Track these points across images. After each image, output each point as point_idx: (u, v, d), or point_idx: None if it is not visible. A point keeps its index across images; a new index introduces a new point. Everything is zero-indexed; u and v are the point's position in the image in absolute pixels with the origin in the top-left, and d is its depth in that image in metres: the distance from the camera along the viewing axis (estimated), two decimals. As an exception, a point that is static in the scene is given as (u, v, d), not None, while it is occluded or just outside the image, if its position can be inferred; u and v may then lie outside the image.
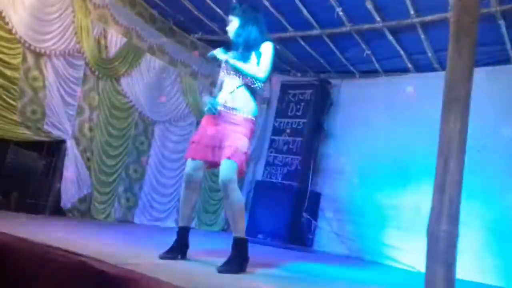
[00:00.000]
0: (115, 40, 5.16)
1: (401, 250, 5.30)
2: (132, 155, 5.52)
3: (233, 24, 3.04)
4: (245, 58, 2.89)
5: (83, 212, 4.92)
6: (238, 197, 2.70)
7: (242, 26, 3.00)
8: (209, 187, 6.42)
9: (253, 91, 2.91)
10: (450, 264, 1.28)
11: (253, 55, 2.92)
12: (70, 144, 4.72)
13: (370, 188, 5.79)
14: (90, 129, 5.00)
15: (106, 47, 5.08)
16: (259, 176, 6.73)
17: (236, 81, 2.88)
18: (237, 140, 2.71)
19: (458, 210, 1.33)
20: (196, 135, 2.91)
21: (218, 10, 5.41)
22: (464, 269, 4.35)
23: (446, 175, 1.32)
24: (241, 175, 2.72)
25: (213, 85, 6.41)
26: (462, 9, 1.34)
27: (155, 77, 5.65)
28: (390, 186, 5.63)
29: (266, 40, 2.99)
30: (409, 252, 5.06)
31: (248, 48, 2.93)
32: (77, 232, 3.64)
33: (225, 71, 2.96)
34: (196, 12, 5.56)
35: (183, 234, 2.84)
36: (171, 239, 2.84)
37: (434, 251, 1.30)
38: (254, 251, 2.85)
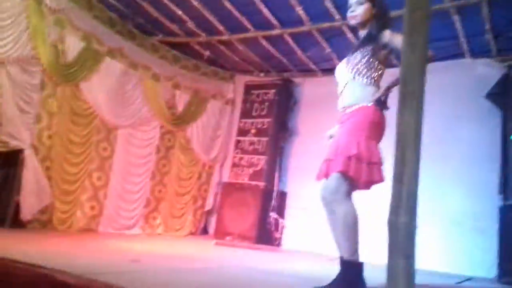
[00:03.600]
0: (73, 44, 5.03)
1: (366, 244, 5.39)
2: (95, 162, 5.39)
3: (362, 7, 2.65)
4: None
5: (45, 223, 4.77)
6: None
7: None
8: (175, 192, 6.36)
9: None
10: (409, 255, 1.32)
11: None
12: (28, 153, 4.56)
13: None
14: (50, 137, 4.85)
15: (63, 52, 4.94)
16: (225, 178, 6.71)
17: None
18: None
19: (416, 201, 1.37)
20: None
21: (179, 12, 5.37)
22: (425, 259, 4.49)
23: (404, 167, 1.35)
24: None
25: (175, 87, 6.36)
26: (413, 6, 1.38)
27: (116, 81, 5.54)
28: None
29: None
30: (374, 245, 5.16)
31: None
32: (39, 244, 3.53)
33: None
34: (155, 14, 5.50)
35: None
36: (137, 246, 2.80)
37: (394, 243, 1.33)
38: (224, 253, 2.85)
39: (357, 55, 2.60)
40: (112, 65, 5.49)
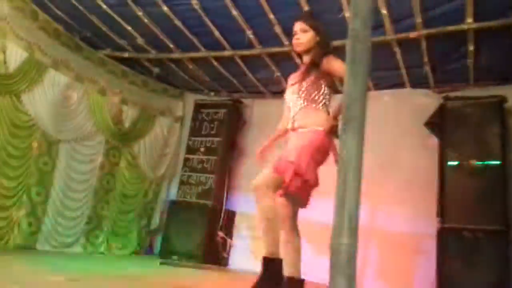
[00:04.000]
0: (15, 54, 4.82)
1: (312, 264, 5.47)
2: (35, 177, 5.14)
3: (307, 35, 2.76)
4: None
5: (-23, 240, 4.47)
6: None
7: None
8: (119, 209, 6.18)
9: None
10: (350, 276, 1.36)
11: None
12: (-40, 166, 4.29)
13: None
14: (-14, 149, 4.60)
15: (5, 62, 4.72)
16: (173, 196, 6.61)
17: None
18: None
19: (357, 223, 1.41)
20: None
21: (128, 27, 5.31)
22: (365, 280, 4.62)
23: (345, 190, 1.40)
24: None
25: (122, 102, 6.24)
26: (355, 38, 1.45)
27: (59, 93, 5.35)
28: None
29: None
30: (319, 266, 5.25)
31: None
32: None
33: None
34: (104, 28, 5.41)
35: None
36: (76, 266, 2.69)
37: (336, 264, 1.37)
38: (169, 273, 2.78)
39: (306, 82, 2.68)
40: (56, 77, 5.31)
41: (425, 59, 4.96)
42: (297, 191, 2.45)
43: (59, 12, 5.17)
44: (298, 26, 2.77)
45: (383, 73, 5.39)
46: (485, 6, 4.02)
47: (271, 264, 2.49)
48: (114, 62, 6.10)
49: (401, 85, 5.68)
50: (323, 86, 2.70)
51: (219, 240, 6.06)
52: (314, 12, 4.54)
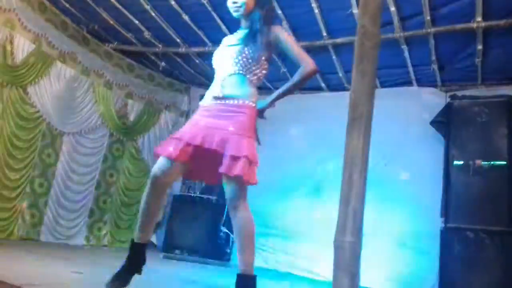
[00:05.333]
0: (23, 46, 4.84)
1: (314, 261, 5.47)
2: (38, 168, 5.17)
3: None
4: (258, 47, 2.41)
5: (-19, 231, 4.51)
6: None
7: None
8: (121, 202, 6.19)
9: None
10: (354, 274, 1.36)
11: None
12: (-34, 156, 4.32)
13: (285, 202, 5.93)
14: (-9, 140, 4.62)
15: (12, 53, 4.74)
16: (177, 190, 6.61)
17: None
18: None
19: (362, 221, 1.41)
20: None
21: (135, 21, 5.31)
22: (368, 278, 4.61)
23: (351, 188, 1.40)
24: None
25: (127, 96, 6.27)
26: (364, 34, 1.44)
27: (65, 86, 5.37)
28: (303, 199, 5.81)
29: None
30: (321, 262, 5.25)
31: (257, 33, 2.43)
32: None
33: None
34: (111, 22, 5.40)
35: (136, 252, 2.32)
36: (79, 257, 2.70)
37: (340, 261, 1.37)
38: (173, 266, 2.78)
39: (248, 49, 2.42)
40: (62, 70, 5.33)
41: (433, 57, 4.92)
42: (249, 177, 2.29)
43: (66, 5, 5.17)
44: None
45: (390, 70, 5.36)
46: (495, 5, 3.98)
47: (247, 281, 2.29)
48: (120, 55, 6.10)
49: (408, 83, 5.65)
50: (263, 58, 2.46)
51: (222, 236, 6.07)
52: (323, 8, 4.57)
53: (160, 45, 5.90)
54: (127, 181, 6.29)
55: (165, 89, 6.81)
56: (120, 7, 5.05)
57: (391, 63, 5.16)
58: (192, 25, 5.21)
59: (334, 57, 5.34)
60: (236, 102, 2.37)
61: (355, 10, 4.28)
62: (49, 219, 5.29)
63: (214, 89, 2.47)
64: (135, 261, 2.28)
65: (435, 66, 5.11)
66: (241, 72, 2.42)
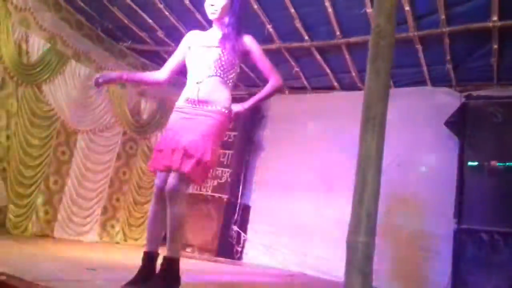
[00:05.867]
0: (38, 45, 4.91)
1: (326, 260, 5.46)
2: (53, 166, 5.23)
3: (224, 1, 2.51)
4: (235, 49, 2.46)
5: (-3, 226, 4.57)
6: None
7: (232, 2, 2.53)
8: (134, 200, 6.24)
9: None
10: (366, 273, 1.35)
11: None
12: (-17, 153, 4.39)
13: (298, 201, 5.92)
14: (8, 138, 4.68)
15: (27, 52, 4.81)
16: (189, 189, 6.65)
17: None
18: None
19: (375, 222, 1.41)
20: None
21: (149, 20, 5.34)
22: (381, 278, 4.59)
23: (364, 189, 1.39)
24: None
25: (141, 95, 6.31)
26: (379, 34, 1.43)
27: (80, 84, 5.43)
28: (316, 198, 5.80)
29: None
30: (333, 262, 5.24)
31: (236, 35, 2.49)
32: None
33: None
34: (125, 21, 5.45)
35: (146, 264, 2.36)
36: (93, 254, 2.73)
37: (352, 261, 1.36)
38: (185, 264, 2.79)
39: (226, 51, 2.45)
40: (77, 68, 5.39)
41: (448, 56, 4.87)
42: (198, 177, 2.38)
43: (81, 4, 5.23)
44: None
45: (404, 70, 5.32)
46: (511, 4, 3.92)
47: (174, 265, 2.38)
48: (134, 54, 6.15)
49: (422, 82, 5.59)
50: (237, 63, 2.51)
51: (233, 234, 6.09)
52: (336, 7, 4.55)
53: (173, 44, 5.92)
54: (140, 179, 6.34)
55: (178, 88, 6.82)
56: (134, 6, 5.09)
57: (405, 62, 5.12)
58: (205, 24, 5.22)
59: (347, 56, 5.32)
60: (210, 108, 2.42)
61: (368, 10, 4.25)
62: (62, 216, 5.35)
63: (190, 91, 2.49)
64: (144, 273, 2.31)
65: (449, 66, 5.05)
66: (219, 75, 2.45)
